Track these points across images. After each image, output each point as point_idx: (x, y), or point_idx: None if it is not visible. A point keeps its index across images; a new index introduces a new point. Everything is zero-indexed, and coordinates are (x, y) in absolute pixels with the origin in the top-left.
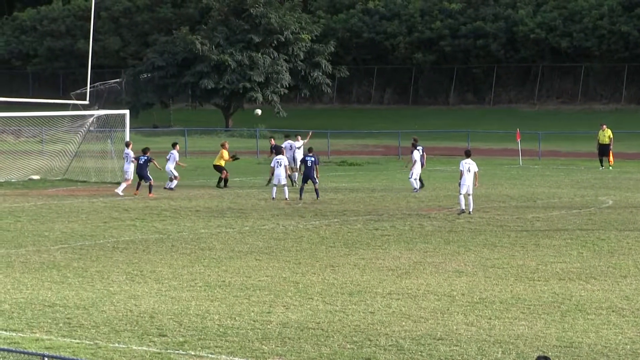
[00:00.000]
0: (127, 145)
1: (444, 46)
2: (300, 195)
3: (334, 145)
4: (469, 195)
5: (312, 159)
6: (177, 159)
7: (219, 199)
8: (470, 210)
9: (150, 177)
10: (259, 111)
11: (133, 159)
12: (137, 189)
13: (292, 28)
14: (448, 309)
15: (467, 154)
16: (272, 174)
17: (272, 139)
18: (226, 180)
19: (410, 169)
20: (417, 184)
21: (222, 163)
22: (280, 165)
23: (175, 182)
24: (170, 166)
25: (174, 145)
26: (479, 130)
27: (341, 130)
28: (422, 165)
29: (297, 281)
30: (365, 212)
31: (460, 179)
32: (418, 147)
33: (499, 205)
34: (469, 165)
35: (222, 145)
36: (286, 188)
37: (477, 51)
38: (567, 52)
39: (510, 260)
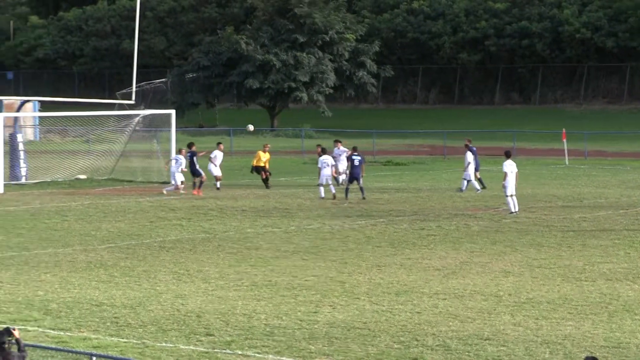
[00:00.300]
0: (180, 151)
1: (489, 46)
2: (347, 195)
3: (380, 145)
4: (513, 195)
5: (359, 157)
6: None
7: (265, 198)
8: (517, 210)
9: (202, 172)
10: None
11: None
12: (198, 188)
13: (336, 28)
14: (495, 309)
15: (508, 155)
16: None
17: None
18: (266, 180)
19: (465, 170)
20: (478, 185)
21: (261, 163)
22: (327, 165)
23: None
24: (214, 168)
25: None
26: (524, 130)
27: (386, 130)
28: (477, 166)
29: (343, 281)
30: (411, 212)
31: (504, 180)
32: (472, 148)
33: (545, 205)
34: (511, 167)
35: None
36: (332, 187)
37: (523, 51)
38: (613, 52)
39: (557, 260)
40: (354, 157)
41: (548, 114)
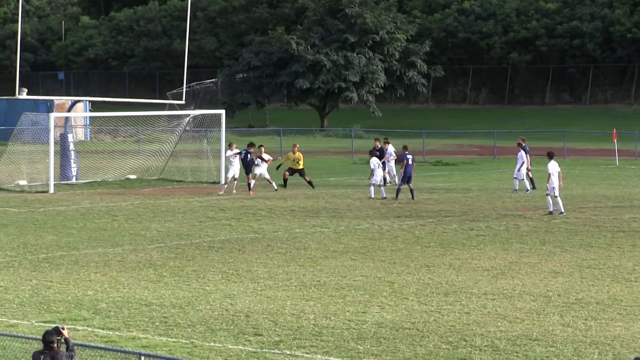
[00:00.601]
0: (230, 145)
1: (539, 46)
2: (397, 195)
3: (429, 145)
4: (556, 196)
5: (411, 156)
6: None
7: (314, 199)
8: (563, 210)
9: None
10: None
11: (232, 156)
12: (250, 190)
13: (387, 28)
14: (544, 310)
15: (551, 156)
16: (372, 174)
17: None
18: (285, 180)
19: (518, 170)
20: (528, 185)
21: (301, 165)
22: (379, 166)
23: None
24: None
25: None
26: (575, 130)
27: (436, 130)
28: (529, 165)
29: (392, 281)
30: (460, 212)
31: (548, 181)
32: (525, 147)
33: (595, 206)
34: (554, 167)
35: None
36: (383, 188)
37: (573, 51)
38: None
39: (607, 260)
40: (407, 156)
41: (598, 114)
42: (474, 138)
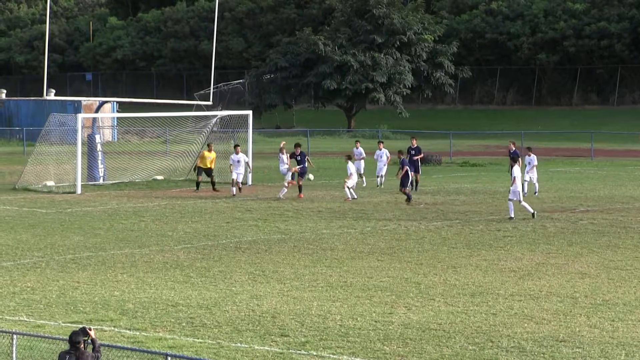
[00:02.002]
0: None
1: (567, 46)
2: (409, 198)
3: (456, 146)
4: (521, 202)
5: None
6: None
7: (340, 199)
8: (532, 210)
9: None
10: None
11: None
12: (300, 192)
13: (414, 28)
14: (571, 311)
15: (514, 160)
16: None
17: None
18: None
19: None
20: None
21: (206, 164)
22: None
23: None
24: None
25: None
26: (602, 131)
27: (463, 130)
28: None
29: (418, 282)
30: (487, 213)
31: (512, 185)
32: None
33: (622, 207)
34: (519, 171)
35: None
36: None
37: (601, 51)
38: None
39: (634, 262)
40: (406, 161)
41: (626, 115)
42: (501, 139)
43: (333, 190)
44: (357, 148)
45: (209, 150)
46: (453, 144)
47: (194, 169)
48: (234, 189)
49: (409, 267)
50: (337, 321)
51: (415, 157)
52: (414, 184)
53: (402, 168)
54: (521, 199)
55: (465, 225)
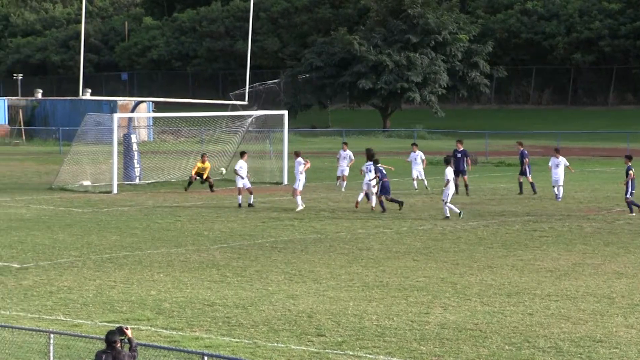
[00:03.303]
0: (297, 154)
1: (603, 46)
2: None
3: (492, 146)
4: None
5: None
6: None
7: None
8: (448, 215)
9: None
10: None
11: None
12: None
13: (449, 28)
14: (607, 311)
15: (447, 162)
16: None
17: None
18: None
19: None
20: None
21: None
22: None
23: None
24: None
25: (241, 155)
26: (638, 131)
27: (499, 130)
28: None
29: (455, 282)
30: (523, 213)
31: (445, 187)
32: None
33: None
34: (451, 173)
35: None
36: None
37: (637, 51)
38: None
39: None
40: (379, 168)
41: None
42: (537, 139)
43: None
44: (344, 150)
45: (203, 162)
46: (489, 143)
47: (195, 176)
48: (341, 182)
49: (445, 267)
50: (373, 321)
51: (461, 158)
52: (466, 187)
53: (376, 176)
54: (448, 200)
55: (502, 225)
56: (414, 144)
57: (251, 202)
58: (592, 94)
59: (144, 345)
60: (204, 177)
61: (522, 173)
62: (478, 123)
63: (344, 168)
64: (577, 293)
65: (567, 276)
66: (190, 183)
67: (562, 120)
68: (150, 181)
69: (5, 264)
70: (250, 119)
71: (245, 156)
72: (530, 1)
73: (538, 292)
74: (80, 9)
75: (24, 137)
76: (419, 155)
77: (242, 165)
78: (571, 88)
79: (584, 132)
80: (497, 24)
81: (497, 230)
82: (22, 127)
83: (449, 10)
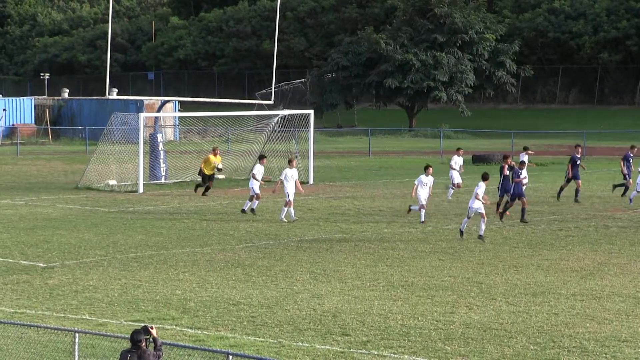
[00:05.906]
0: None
1: (630, 45)
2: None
3: (518, 145)
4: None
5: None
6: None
7: (401, 199)
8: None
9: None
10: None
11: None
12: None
13: (476, 28)
14: (633, 311)
15: (426, 169)
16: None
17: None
18: (207, 189)
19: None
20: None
21: (209, 170)
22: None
23: (256, 202)
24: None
25: (260, 159)
26: None
27: (525, 130)
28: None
29: (480, 281)
30: (549, 213)
31: (413, 191)
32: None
33: None
34: (428, 180)
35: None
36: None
37: None
38: None
39: None
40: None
41: None
42: (564, 138)
43: (394, 189)
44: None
45: (215, 155)
46: (515, 143)
47: (199, 173)
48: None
49: (470, 267)
50: (398, 320)
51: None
52: (576, 192)
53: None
54: (424, 203)
55: (527, 224)
56: (459, 149)
57: (254, 207)
58: (618, 94)
59: (169, 344)
60: (212, 173)
61: (573, 178)
62: (504, 122)
63: (458, 175)
64: (602, 293)
65: (592, 276)
66: (207, 189)
67: (588, 120)
68: (176, 180)
69: (31, 263)
70: (276, 119)
71: (264, 160)
72: (557, 0)
73: (563, 291)
74: (107, 8)
75: (50, 137)
76: (462, 160)
77: (259, 170)
78: (598, 87)
79: (610, 132)
80: (524, 23)
81: (522, 230)
82: (49, 126)
83: (475, 9)
